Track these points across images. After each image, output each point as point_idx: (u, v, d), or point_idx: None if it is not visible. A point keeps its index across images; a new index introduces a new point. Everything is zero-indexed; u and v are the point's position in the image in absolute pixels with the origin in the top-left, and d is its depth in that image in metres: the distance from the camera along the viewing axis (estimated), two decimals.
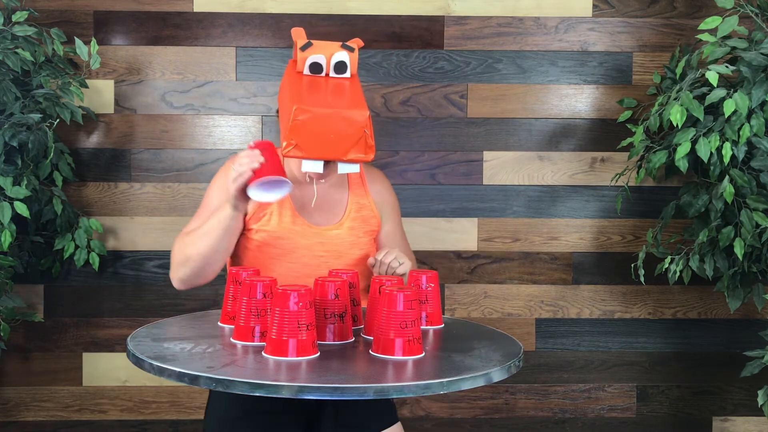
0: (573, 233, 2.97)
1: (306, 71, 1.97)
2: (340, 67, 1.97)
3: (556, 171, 2.95)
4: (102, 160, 2.90)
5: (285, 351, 1.58)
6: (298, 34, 1.99)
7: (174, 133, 2.91)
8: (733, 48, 2.47)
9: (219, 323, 1.89)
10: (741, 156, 2.44)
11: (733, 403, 3.02)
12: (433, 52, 2.93)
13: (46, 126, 2.61)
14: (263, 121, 2.91)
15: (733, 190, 2.43)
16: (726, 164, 2.45)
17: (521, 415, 2.99)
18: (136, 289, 2.92)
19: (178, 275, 2.02)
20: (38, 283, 2.89)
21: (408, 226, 2.42)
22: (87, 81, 2.79)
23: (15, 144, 2.52)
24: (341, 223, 2.08)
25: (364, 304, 2.07)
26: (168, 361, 1.56)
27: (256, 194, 1.82)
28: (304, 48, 1.96)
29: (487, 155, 2.94)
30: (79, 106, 2.74)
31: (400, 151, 2.93)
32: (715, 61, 2.48)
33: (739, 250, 2.43)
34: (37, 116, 2.56)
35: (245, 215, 2.02)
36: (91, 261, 2.79)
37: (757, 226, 2.46)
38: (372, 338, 1.71)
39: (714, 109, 2.50)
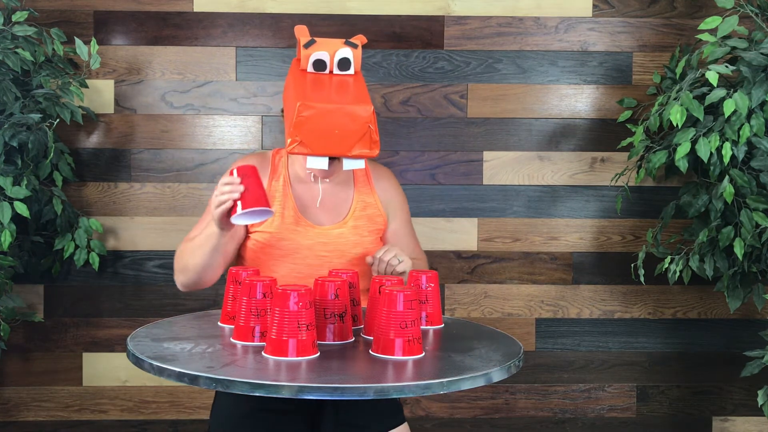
0: (573, 233, 2.96)
1: (309, 68, 1.96)
2: (344, 63, 1.96)
3: (556, 171, 2.95)
4: (102, 160, 2.90)
5: (285, 351, 1.58)
6: (302, 32, 1.98)
7: (174, 133, 2.90)
8: (733, 48, 2.47)
9: (219, 323, 1.89)
10: (741, 156, 2.44)
11: (733, 403, 3.02)
12: (433, 52, 2.93)
13: (46, 126, 2.61)
14: (263, 121, 2.91)
15: (733, 190, 2.43)
16: (726, 164, 2.45)
17: (521, 415, 2.99)
18: (136, 289, 2.92)
19: (180, 280, 2.07)
20: (38, 283, 2.89)
21: None
22: (87, 81, 2.78)
23: (15, 144, 2.52)
24: (345, 222, 2.07)
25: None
26: (168, 361, 1.56)
27: (239, 220, 1.82)
28: (307, 45, 1.95)
29: (487, 155, 2.94)
30: (79, 106, 2.74)
31: (400, 151, 2.93)
32: (715, 61, 2.48)
33: (739, 250, 2.43)
34: (37, 116, 2.56)
35: None
36: (91, 261, 2.79)
37: (757, 226, 2.46)
38: (372, 338, 1.71)
39: (714, 109, 2.50)
